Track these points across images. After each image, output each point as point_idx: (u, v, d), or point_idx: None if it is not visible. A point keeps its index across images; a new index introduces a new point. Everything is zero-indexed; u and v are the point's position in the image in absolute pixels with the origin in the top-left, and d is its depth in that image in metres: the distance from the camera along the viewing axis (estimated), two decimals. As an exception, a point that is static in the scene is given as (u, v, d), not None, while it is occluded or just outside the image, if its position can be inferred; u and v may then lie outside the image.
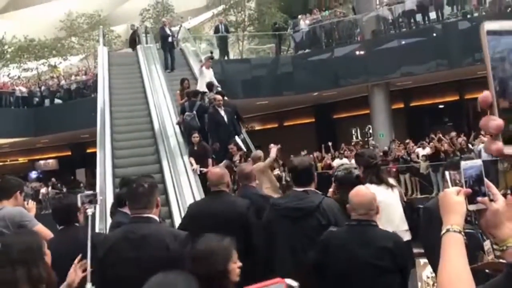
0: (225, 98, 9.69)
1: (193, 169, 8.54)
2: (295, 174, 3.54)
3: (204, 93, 10.25)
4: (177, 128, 10.34)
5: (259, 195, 4.27)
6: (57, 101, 21.55)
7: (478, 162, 1.33)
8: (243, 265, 2.38)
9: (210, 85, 10.57)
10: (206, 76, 11.29)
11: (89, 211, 3.34)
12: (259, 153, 7.34)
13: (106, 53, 15.29)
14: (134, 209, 2.87)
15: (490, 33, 0.89)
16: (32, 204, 3.83)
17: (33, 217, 3.58)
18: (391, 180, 4.21)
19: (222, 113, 9.01)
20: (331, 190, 4.77)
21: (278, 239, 3.41)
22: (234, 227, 3.46)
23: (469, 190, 1.28)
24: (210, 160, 8.66)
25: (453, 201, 1.28)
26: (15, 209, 3.53)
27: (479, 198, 1.28)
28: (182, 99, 10.39)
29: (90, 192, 3.58)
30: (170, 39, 14.82)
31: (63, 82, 22.12)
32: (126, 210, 3.99)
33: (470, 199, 1.28)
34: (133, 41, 16.78)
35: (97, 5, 28.39)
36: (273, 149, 7.05)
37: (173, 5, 27.09)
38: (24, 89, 22.14)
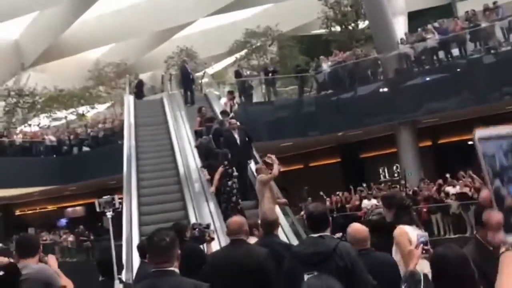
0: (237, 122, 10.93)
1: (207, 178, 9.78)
2: (310, 220, 3.54)
3: (223, 120, 11.54)
4: (201, 174, 10.37)
5: (280, 243, 4.31)
6: (85, 148, 21.97)
7: None
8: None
9: (225, 112, 12.28)
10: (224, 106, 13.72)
11: (108, 215, 3.40)
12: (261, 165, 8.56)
13: (132, 101, 15.65)
14: (156, 263, 2.85)
15: (481, 139, 0.97)
16: (51, 258, 3.79)
17: (55, 275, 3.53)
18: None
19: (236, 135, 10.12)
20: None
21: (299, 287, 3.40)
22: (253, 276, 3.56)
23: None
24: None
25: None
26: (39, 269, 3.49)
27: None
28: (202, 125, 11.76)
29: (108, 196, 3.62)
30: (190, 76, 16.14)
31: (90, 130, 22.62)
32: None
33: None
34: (139, 91, 17.56)
35: (124, 53, 29.33)
36: (275, 165, 8.02)
37: (197, 51, 27.74)
38: (53, 138, 22.68)
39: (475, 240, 3.15)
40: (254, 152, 10.96)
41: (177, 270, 2.83)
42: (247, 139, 10.41)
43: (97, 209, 3.44)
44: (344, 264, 3.20)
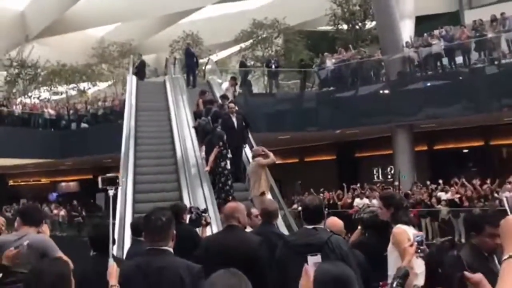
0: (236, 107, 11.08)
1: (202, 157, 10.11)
2: (306, 212, 3.61)
3: (223, 103, 11.72)
4: (198, 159, 10.46)
5: (275, 233, 4.33)
6: (83, 125, 21.99)
7: None
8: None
9: (225, 96, 12.47)
10: (225, 91, 13.95)
11: (110, 192, 3.41)
12: (260, 149, 8.53)
13: (134, 81, 15.63)
14: (151, 241, 2.89)
15: None
16: (46, 228, 3.89)
17: (55, 246, 3.62)
18: None
19: (234, 119, 10.40)
20: (359, 228, 4.75)
21: (291, 276, 3.38)
22: (245, 262, 3.46)
23: None
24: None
25: None
26: (40, 237, 3.59)
27: None
28: (203, 107, 11.92)
29: (113, 174, 3.63)
30: (194, 58, 16.40)
31: (90, 106, 22.63)
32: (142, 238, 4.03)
33: None
34: (140, 72, 17.57)
35: (129, 34, 29.19)
36: (271, 154, 8.26)
37: (202, 38, 27.66)
38: (52, 112, 22.67)
39: (470, 245, 3.14)
40: (250, 138, 11.14)
41: (171, 250, 2.89)
42: (244, 124, 10.65)
43: (100, 186, 3.45)
44: (335, 257, 3.23)
